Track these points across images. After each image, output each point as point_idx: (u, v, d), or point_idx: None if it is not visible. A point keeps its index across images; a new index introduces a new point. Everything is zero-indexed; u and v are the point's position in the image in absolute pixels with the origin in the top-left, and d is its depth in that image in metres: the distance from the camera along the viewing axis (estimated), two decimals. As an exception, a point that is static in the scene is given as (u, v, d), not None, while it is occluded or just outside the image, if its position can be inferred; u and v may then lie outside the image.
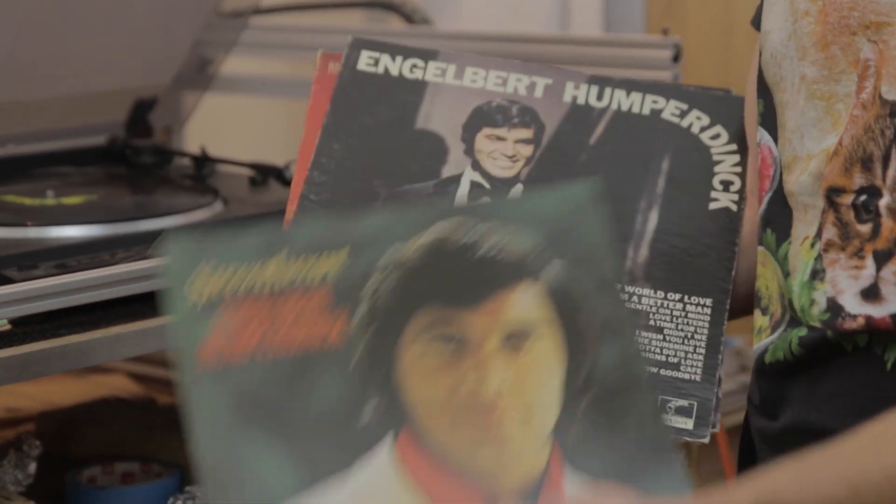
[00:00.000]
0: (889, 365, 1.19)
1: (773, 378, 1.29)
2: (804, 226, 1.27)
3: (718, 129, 1.36)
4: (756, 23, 1.39)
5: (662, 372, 1.27)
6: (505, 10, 3.17)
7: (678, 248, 1.32)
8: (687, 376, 1.26)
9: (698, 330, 1.28)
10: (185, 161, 2.25)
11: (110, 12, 2.19)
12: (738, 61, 2.74)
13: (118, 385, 2.47)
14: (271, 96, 2.86)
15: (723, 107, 1.39)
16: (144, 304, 1.74)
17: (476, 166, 1.34)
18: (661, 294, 1.28)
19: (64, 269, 1.70)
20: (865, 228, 1.23)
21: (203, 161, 2.18)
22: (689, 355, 1.27)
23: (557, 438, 1.11)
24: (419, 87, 1.37)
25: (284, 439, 1.10)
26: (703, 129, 1.36)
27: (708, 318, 1.29)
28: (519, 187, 1.35)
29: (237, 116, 3.00)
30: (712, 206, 1.33)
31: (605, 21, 3.19)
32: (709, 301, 1.29)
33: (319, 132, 1.36)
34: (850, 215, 1.24)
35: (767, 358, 1.29)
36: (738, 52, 2.75)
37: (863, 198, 1.22)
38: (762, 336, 1.31)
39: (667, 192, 1.34)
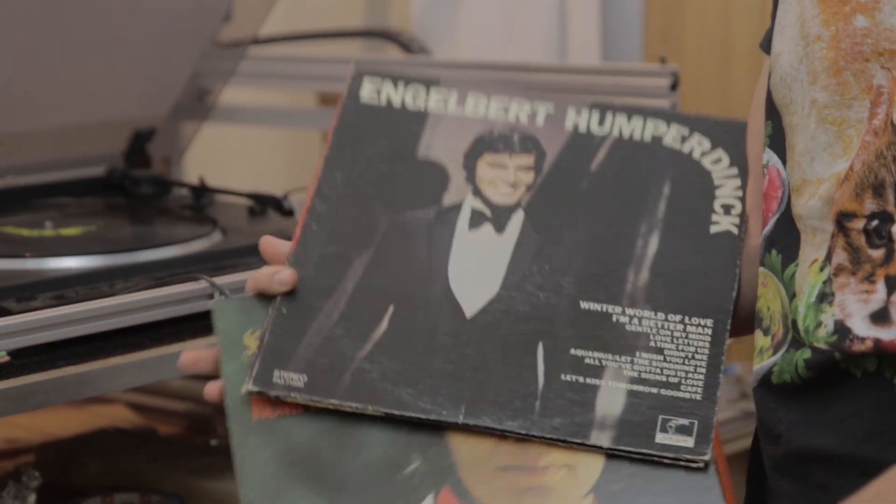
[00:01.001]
0: None
1: (780, 400, 1.26)
2: (813, 249, 1.25)
3: (720, 153, 1.34)
4: (765, 46, 1.37)
5: (663, 392, 1.22)
6: (502, 39, 3.18)
7: (679, 270, 1.29)
8: (688, 395, 1.22)
9: (699, 350, 1.24)
10: (184, 191, 2.26)
11: (108, 43, 2.20)
12: (736, 89, 2.75)
13: (117, 415, 2.48)
14: (270, 126, 2.89)
15: (724, 131, 1.36)
16: (143, 335, 1.74)
17: (477, 193, 1.32)
18: (661, 315, 1.25)
19: (62, 301, 1.70)
20: (877, 253, 1.20)
21: (202, 191, 2.19)
22: (690, 375, 1.23)
23: (598, 497, 1.12)
24: (421, 117, 1.36)
25: (328, 494, 1.11)
26: (704, 154, 1.34)
27: (709, 339, 1.25)
28: (520, 214, 1.34)
29: (236, 146, 3.02)
30: (713, 229, 1.31)
31: (603, 49, 3.20)
32: (709, 322, 1.25)
33: (322, 162, 1.34)
34: (861, 240, 1.21)
35: (774, 379, 1.26)
36: (736, 79, 2.79)
37: (874, 223, 1.20)
38: (764, 356, 1.28)
39: (668, 216, 1.32)
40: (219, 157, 2.91)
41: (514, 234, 1.28)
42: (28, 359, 1.65)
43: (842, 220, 1.20)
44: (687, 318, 1.24)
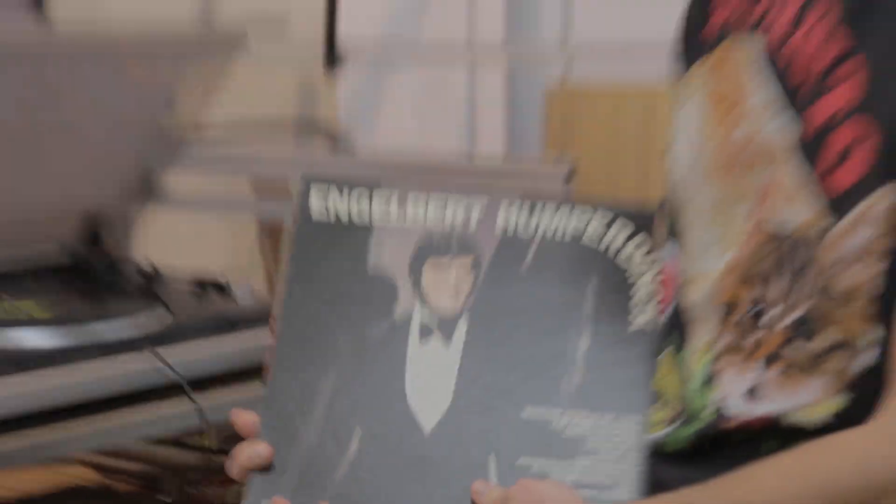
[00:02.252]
0: (764, 453, 1.23)
1: (672, 465, 1.29)
2: (702, 334, 1.30)
3: (640, 244, 1.33)
4: (666, 154, 1.48)
5: (600, 495, 1.22)
6: (417, 129, 3.15)
7: (610, 365, 1.28)
8: (626, 496, 1.22)
9: (631, 447, 1.24)
10: (132, 276, 2.26)
11: (58, 136, 2.24)
12: (626, 181, 2.70)
13: (79, 475, 2.45)
14: (208, 210, 2.90)
15: (644, 220, 1.32)
16: (101, 404, 1.80)
17: (424, 303, 1.30)
18: (596, 415, 1.24)
19: (23, 370, 1.74)
20: (756, 337, 1.24)
21: (152, 275, 2.22)
22: (624, 473, 1.23)
23: None
24: (367, 231, 1.34)
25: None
26: (626, 241, 1.31)
27: (639, 435, 1.26)
28: (463, 323, 1.33)
29: (182, 227, 2.99)
30: (636, 321, 1.29)
31: (508, 139, 3.17)
32: (639, 417, 1.25)
33: (284, 285, 1.35)
34: (742, 327, 1.26)
35: (667, 448, 1.31)
36: (626, 172, 2.73)
37: (754, 311, 1.25)
38: (658, 428, 1.32)
39: (594, 314, 1.28)
40: (166, 237, 2.82)
41: (459, 344, 1.26)
42: (3, 427, 1.69)
43: (727, 309, 1.26)
44: (618, 416, 1.24)
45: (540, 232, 1.29)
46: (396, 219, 1.31)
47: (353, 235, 1.31)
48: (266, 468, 1.22)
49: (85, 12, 3.49)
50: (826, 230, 1.23)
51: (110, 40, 2.41)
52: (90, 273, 2.21)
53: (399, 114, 3.21)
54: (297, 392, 1.25)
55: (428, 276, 1.27)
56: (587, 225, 1.28)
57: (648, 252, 1.29)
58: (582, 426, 1.20)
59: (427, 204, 1.30)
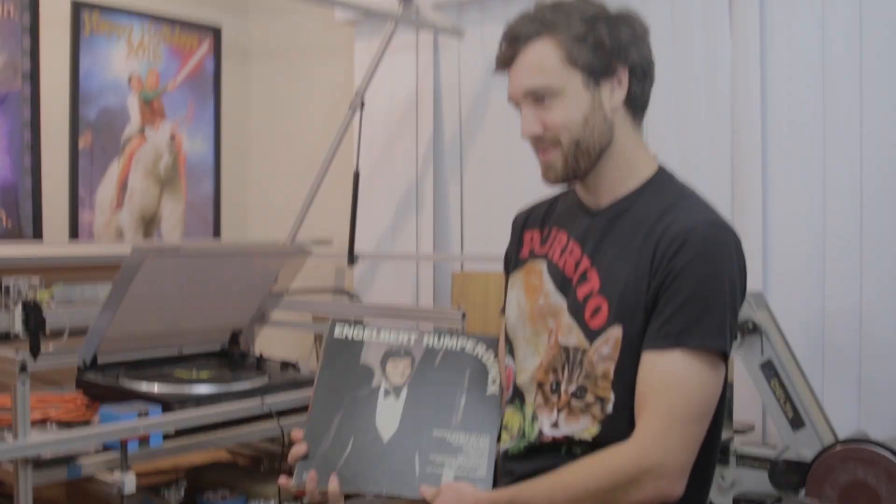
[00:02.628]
0: (578, 454, 1.30)
1: (513, 463, 1.36)
2: (529, 398, 1.36)
3: (490, 353, 1.43)
4: (502, 311, 1.49)
5: (470, 475, 1.32)
6: (392, 292, 3.29)
7: (475, 410, 1.37)
8: (484, 477, 1.32)
9: (487, 451, 1.35)
10: (252, 359, 2.44)
11: (222, 292, 2.40)
12: (494, 318, 2.53)
13: (221, 456, 2.63)
14: (292, 328, 3.05)
15: (492, 343, 1.43)
16: (236, 422, 2.01)
17: (386, 380, 1.39)
18: (470, 435, 1.35)
19: (199, 405, 2.03)
20: (555, 398, 1.32)
21: (261, 359, 2.44)
22: (484, 465, 1.33)
23: None
24: (360, 344, 1.42)
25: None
26: (483, 353, 1.42)
27: (489, 444, 1.35)
28: (405, 389, 1.38)
29: (276, 336, 3.08)
30: (489, 391, 1.40)
31: (436, 297, 3.19)
32: (490, 435, 1.36)
33: (318, 370, 1.41)
34: (548, 392, 1.34)
35: (510, 453, 1.36)
36: (493, 315, 2.39)
37: (553, 385, 1.33)
38: (505, 442, 1.37)
39: (469, 385, 1.39)
40: (271, 341, 2.99)
41: (403, 399, 1.38)
42: (184, 431, 1.98)
43: (540, 384, 1.34)
44: (479, 435, 1.34)
45: (444, 346, 1.42)
46: (375, 338, 1.43)
47: (354, 346, 1.42)
48: (305, 458, 1.33)
49: (240, 235, 3.73)
50: (589, 345, 1.29)
51: (249, 248, 2.77)
52: (232, 357, 2.46)
53: (383, 286, 3.32)
54: (321, 422, 1.35)
55: (389, 367, 1.40)
56: (467, 343, 1.43)
57: (493, 356, 1.43)
58: (462, 440, 1.34)
59: (389, 333, 1.43)
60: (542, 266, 1.36)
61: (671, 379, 1.19)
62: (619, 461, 1.19)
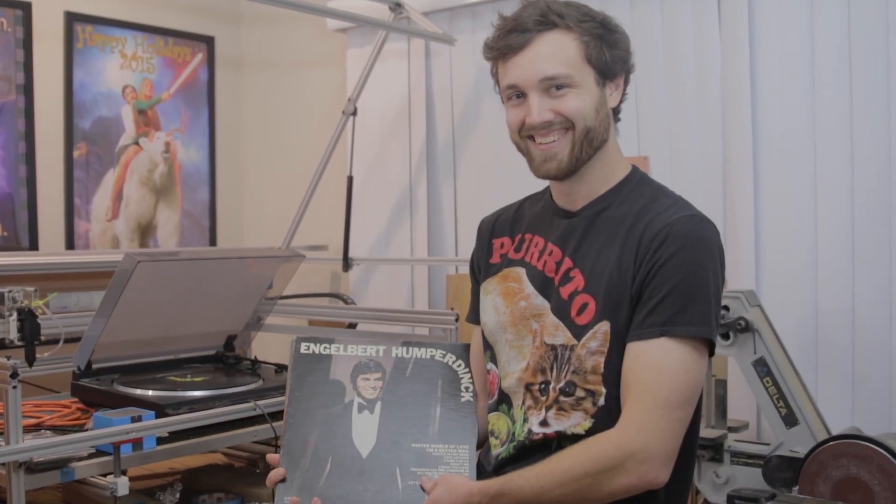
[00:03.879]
0: (554, 451, 1.30)
1: (506, 465, 1.38)
2: (517, 401, 1.37)
3: (460, 361, 1.43)
4: (471, 318, 1.51)
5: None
6: (386, 298, 3.29)
7: (451, 419, 1.37)
8: (465, 471, 1.34)
9: (466, 461, 1.35)
10: (248, 363, 2.49)
11: (218, 297, 2.41)
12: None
13: (217, 458, 2.66)
14: (286, 333, 2.91)
15: (462, 350, 1.44)
16: (231, 423, 2.04)
17: (359, 395, 1.38)
18: (448, 445, 1.35)
19: (193, 410, 2.05)
20: (544, 398, 1.34)
21: (256, 362, 2.48)
22: (464, 468, 1.35)
23: None
24: (328, 358, 1.40)
25: None
26: (454, 361, 1.43)
27: (468, 454, 1.36)
28: (379, 404, 1.37)
29: (274, 342, 3.01)
30: (462, 398, 1.40)
31: (430, 299, 3.22)
32: (467, 446, 1.37)
33: (288, 389, 1.38)
34: (537, 393, 1.35)
35: (501, 456, 1.38)
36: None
37: (542, 386, 1.34)
38: (495, 448, 1.40)
39: (442, 395, 1.39)
40: (266, 345, 2.94)
41: (377, 414, 1.37)
42: (178, 435, 2.00)
43: (528, 387, 1.36)
44: (457, 446, 1.35)
45: (413, 357, 1.41)
46: (342, 353, 1.42)
47: (322, 362, 1.40)
48: (283, 481, 1.31)
49: (236, 243, 3.72)
50: (577, 342, 1.31)
51: (242, 253, 2.90)
52: (227, 362, 2.51)
53: (378, 290, 3.32)
54: (297, 442, 1.34)
55: (360, 382, 1.39)
56: (436, 352, 1.42)
57: (464, 364, 1.43)
58: (441, 451, 1.34)
59: (357, 346, 1.42)
60: (519, 271, 1.38)
61: (655, 366, 1.21)
62: (604, 447, 1.21)
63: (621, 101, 1.37)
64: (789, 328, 2.34)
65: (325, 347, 1.38)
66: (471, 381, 1.38)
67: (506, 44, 1.31)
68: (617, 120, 1.38)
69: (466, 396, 1.37)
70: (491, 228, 1.47)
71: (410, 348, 1.39)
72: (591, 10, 1.33)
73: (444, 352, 1.39)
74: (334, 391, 1.35)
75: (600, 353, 1.27)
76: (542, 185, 1.47)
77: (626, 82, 1.37)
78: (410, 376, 1.37)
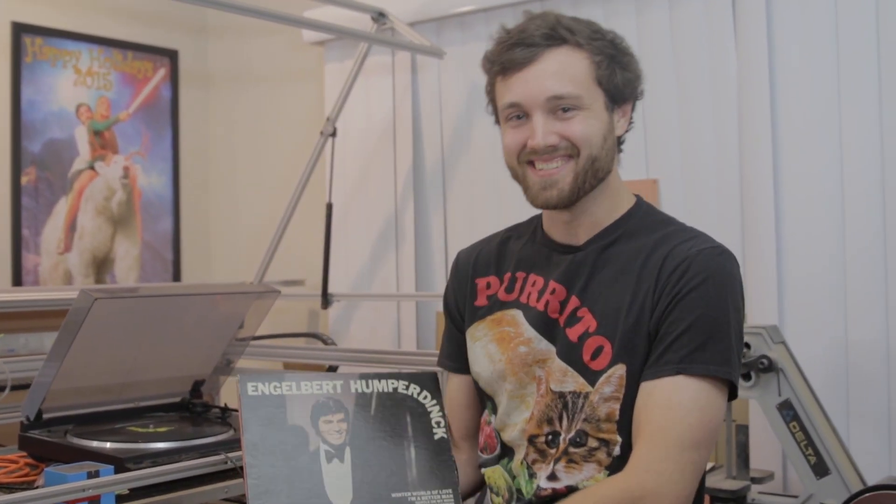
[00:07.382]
0: None
1: None
2: (518, 455, 1.40)
3: (425, 392, 1.44)
4: (443, 364, 1.54)
5: None
6: (368, 338, 3.29)
7: (426, 460, 1.38)
8: None
9: None
10: (217, 411, 2.41)
11: (183, 339, 2.37)
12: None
13: None
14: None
15: (427, 379, 1.45)
16: (198, 478, 1.96)
17: (324, 441, 1.38)
18: (429, 491, 1.37)
19: (156, 464, 1.96)
20: (553, 450, 1.36)
21: (226, 410, 2.40)
22: None
23: None
24: (281, 398, 1.38)
25: None
26: (418, 393, 1.44)
27: (456, 499, 1.37)
28: (349, 450, 1.37)
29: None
30: (436, 436, 1.41)
31: (418, 336, 3.28)
32: (450, 490, 1.38)
33: (242, 436, 1.36)
34: (543, 446, 1.37)
35: None
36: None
37: (550, 437, 1.36)
38: None
39: (414, 432, 1.40)
40: (235, 391, 2.71)
41: (348, 462, 1.38)
42: (140, 492, 1.90)
43: (532, 439, 1.37)
44: (440, 490, 1.37)
45: (374, 391, 1.42)
46: (296, 392, 1.41)
47: (275, 403, 1.38)
48: None
49: (203, 277, 3.75)
50: (591, 388, 1.33)
51: (211, 289, 2.64)
52: (193, 410, 2.45)
53: (361, 328, 3.35)
54: (267, 501, 1.30)
55: (322, 427, 1.38)
56: (398, 384, 1.43)
57: (429, 394, 1.44)
58: (423, 498, 1.36)
59: (311, 383, 1.41)
60: (515, 313, 1.39)
61: (667, 404, 1.23)
62: (611, 491, 1.22)
63: (627, 131, 1.38)
64: (817, 366, 2.35)
65: (276, 387, 1.37)
66: (441, 414, 1.39)
67: (509, 58, 1.31)
68: (620, 150, 1.40)
69: (439, 433, 1.38)
70: (472, 266, 1.47)
71: (370, 381, 1.40)
72: (602, 28, 1.34)
73: (406, 382, 1.41)
74: (297, 439, 1.35)
75: (615, 399, 1.28)
76: (537, 213, 1.47)
77: (633, 109, 1.39)
78: (375, 414, 1.38)
